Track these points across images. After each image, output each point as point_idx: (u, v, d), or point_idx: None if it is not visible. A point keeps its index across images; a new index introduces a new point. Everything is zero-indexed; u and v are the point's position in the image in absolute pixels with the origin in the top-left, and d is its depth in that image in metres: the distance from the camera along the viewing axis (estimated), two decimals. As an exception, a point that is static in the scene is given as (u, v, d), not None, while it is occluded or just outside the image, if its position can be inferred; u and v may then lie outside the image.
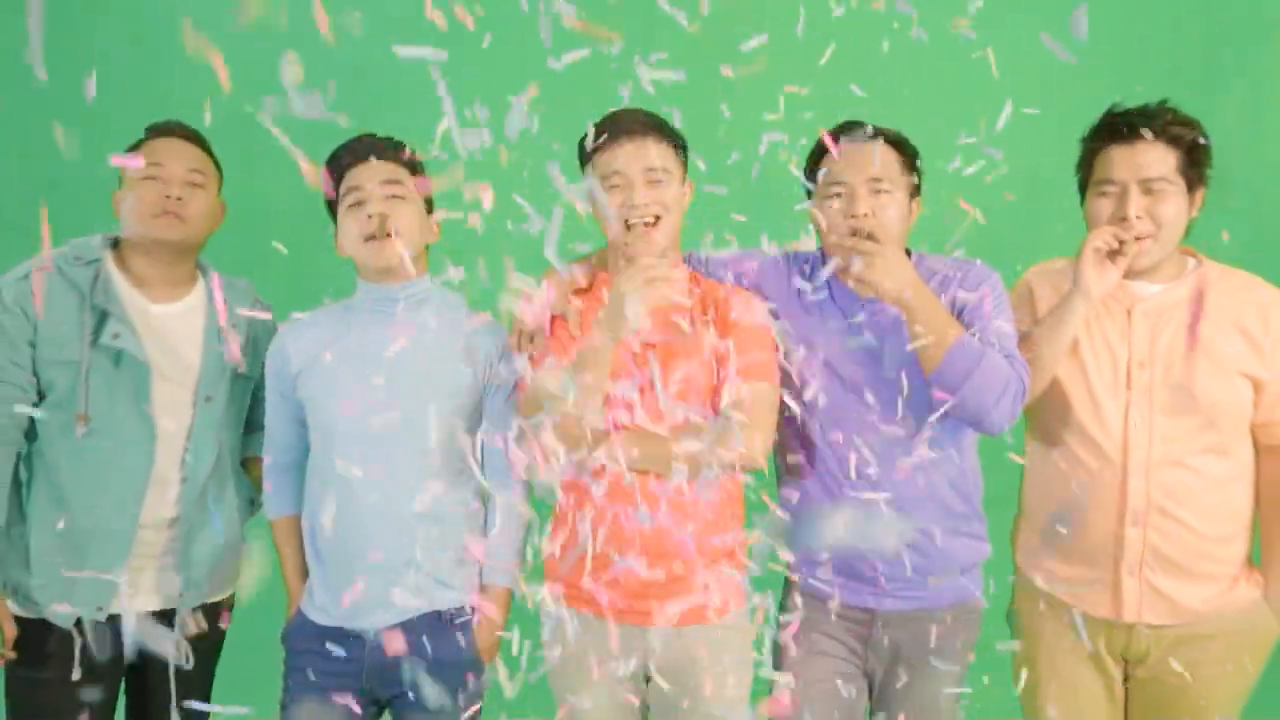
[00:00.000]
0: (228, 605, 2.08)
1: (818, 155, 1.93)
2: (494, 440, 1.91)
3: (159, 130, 1.99)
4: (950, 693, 1.91)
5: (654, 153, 1.82)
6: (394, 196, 1.85)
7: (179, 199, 1.92)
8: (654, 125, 1.84)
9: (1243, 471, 1.87)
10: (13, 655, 1.84)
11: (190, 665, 1.96)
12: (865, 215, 1.81)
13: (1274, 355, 1.81)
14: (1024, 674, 2.01)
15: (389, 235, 1.83)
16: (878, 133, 1.88)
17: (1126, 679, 1.95)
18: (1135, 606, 1.86)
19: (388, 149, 1.87)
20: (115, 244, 2.00)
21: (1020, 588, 2.04)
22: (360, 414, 1.83)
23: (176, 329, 1.98)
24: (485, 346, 1.90)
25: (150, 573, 1.93)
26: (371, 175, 1.84)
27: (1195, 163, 1.82)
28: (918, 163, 1.92)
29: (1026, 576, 2.01)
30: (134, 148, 1.99)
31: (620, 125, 1.83)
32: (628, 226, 1.82)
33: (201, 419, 1.96)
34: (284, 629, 1.93)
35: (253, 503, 2.12)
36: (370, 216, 1.82)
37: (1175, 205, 1.81)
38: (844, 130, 1.89)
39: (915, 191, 1.91)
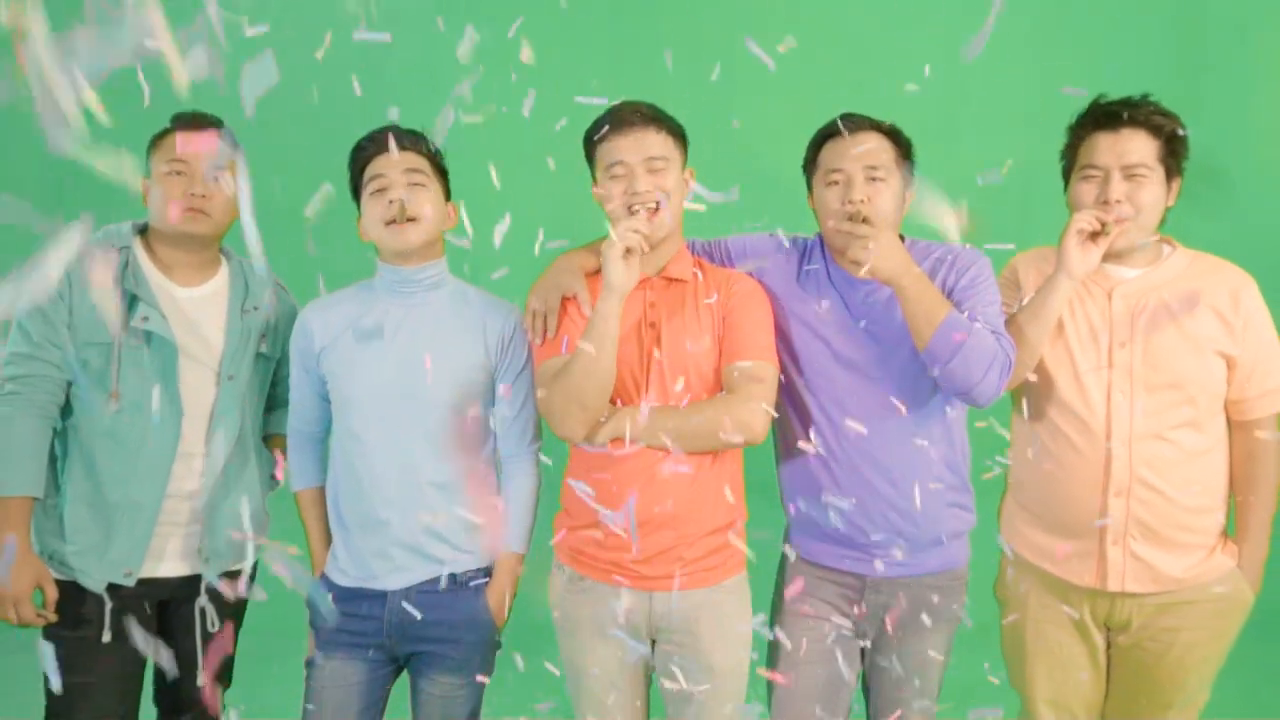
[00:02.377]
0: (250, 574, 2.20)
1: (816, 147, 2.04)
2: (506, 414, 2.03)
3: (184, 123, 2.09)
4: (938, 654, 2.03)
5: (654, 142, 1.93)
6: (415, 184, 1.96)
7: (204, 196, 2.03)
8: (654, 116, 1.95)
9: (1217, 446, 1.99)
10: (55, 618, 1.96)
11: (216, 628, 2.08)
12: (861, 201, 1.92)
13: (1244, 334, 1.94)
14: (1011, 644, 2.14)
15: (409, 220, 1.94)
16: (873, 124, 1.99)
17: (1109, 647, 2.07)
18: (1119, 575, 1.98)
19: (409, 139, 1.98)
20: (143, 230, 2.12)
21: (1007, 561, 2.15)
22: (379, 388, 1.95)
23: (201, 311, 2.10)
24: (497, 326, 2.02)
25: (177, 540, 2.05)
26: (394, 164, 1.95)
27: (1174, 152, 1.94)
28: (912, 154, 2.03)
29: (1013, 549, 2.12)
30: (159, 138, 2.09)
31: (621, 117, 1.94)
32: (631, 212, 1.93)
33: (225, 396, 2.08)
34: (309, 592, 2.05)
35: (273, 477, 2.23)
36: (392, 202, 1.94)
37: (1154, 191, 1.93)
38: (841, 122, 2.00)
39: (909, 180, 2.02)
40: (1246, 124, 4.20)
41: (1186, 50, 4.20)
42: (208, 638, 2.08)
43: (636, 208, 1.92)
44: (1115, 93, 2.01)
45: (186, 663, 2.09)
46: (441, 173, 2.03)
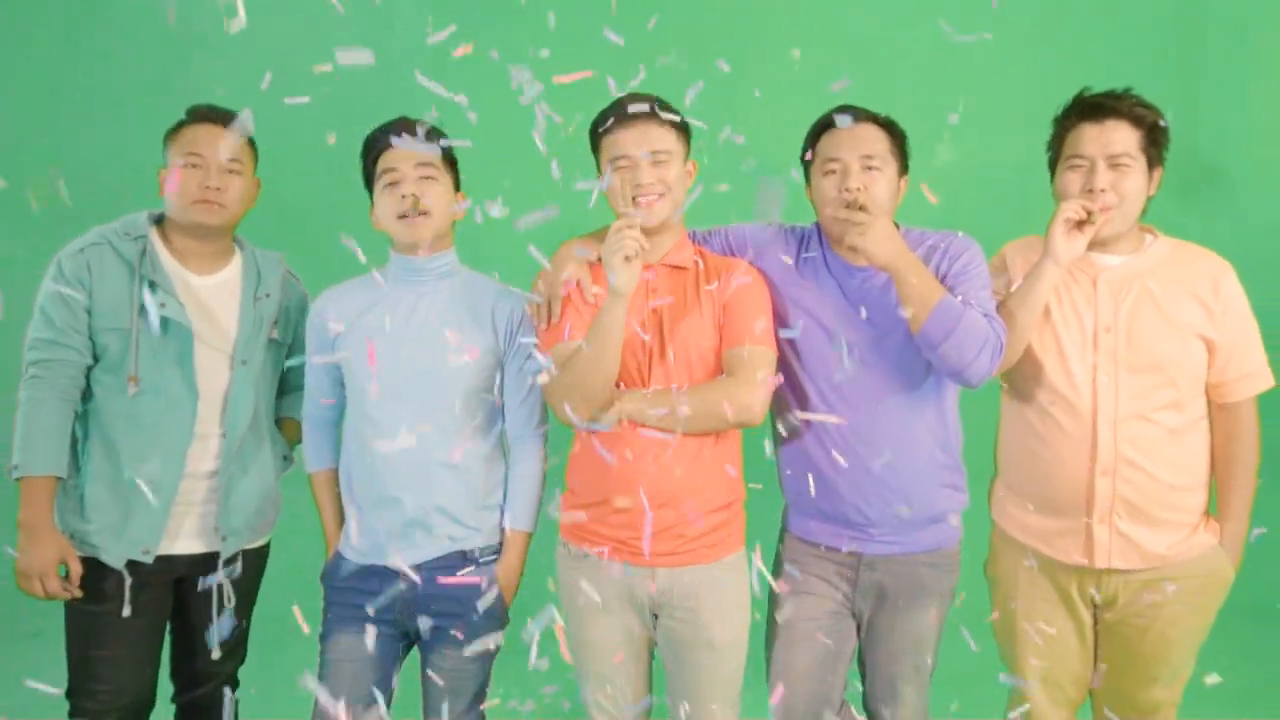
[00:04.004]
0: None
1: (814, 138, 2.14)
2: (514, 398, 2.14)
3: (199, 116, 2.19)
4: (931, 630, 2.14)
5: (657, 135, 2.03)
6: (426, 178, 2.06)
7: (218, 189, 2.14)
8: (658, 110, 2.05)
9: (1198, 427, 2.09)
10: (80, 593, 2.06)
11: (232, 604, 2.19)
12: (858, 190, 2.02)
13: (1223, 319, 2.04)
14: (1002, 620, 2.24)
15: (421, 214, 2.05)
16: (868, 116, 2.10)
17: (1096, 624, 2.17)
18: (1106, 552, 2.08)
19: (422, 133, 2.08)
20: (159, 220, 2.23)
21: (997, 540, 2.26)
22: (392, 373, 2.06)
23: (215, 298, 2.20)
24: (505, 313, 2.13)
25: (193, 519, 2.16)
26: (406, 157, 2.05)
27: (1155, 142, 2.05)
28: (906, 144, 2.13)
29: (1003, 529, 2.23)
30: (175, 130, 2.19)
31: (626, 110, 2.04)
32: (635, 203, 2.03)
33: (239, 380, 2.18)
34: (323, 569, 2.17)
35: (286, 459, 2.34)
36: (404, 196, 2.04)
37: (1136, 180, 2.04)
38: (838, 114, 2.10)
39: (903, 170, 2.12)
40: (1245, 123, 4.31)
41: (1186, 50, 4.31)
42: (223, 613, 2.19)
43: (640, 199, 2.02)
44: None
45: (203, 638, 2.20)
46: (451, 164, 2.13)
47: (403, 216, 2.05)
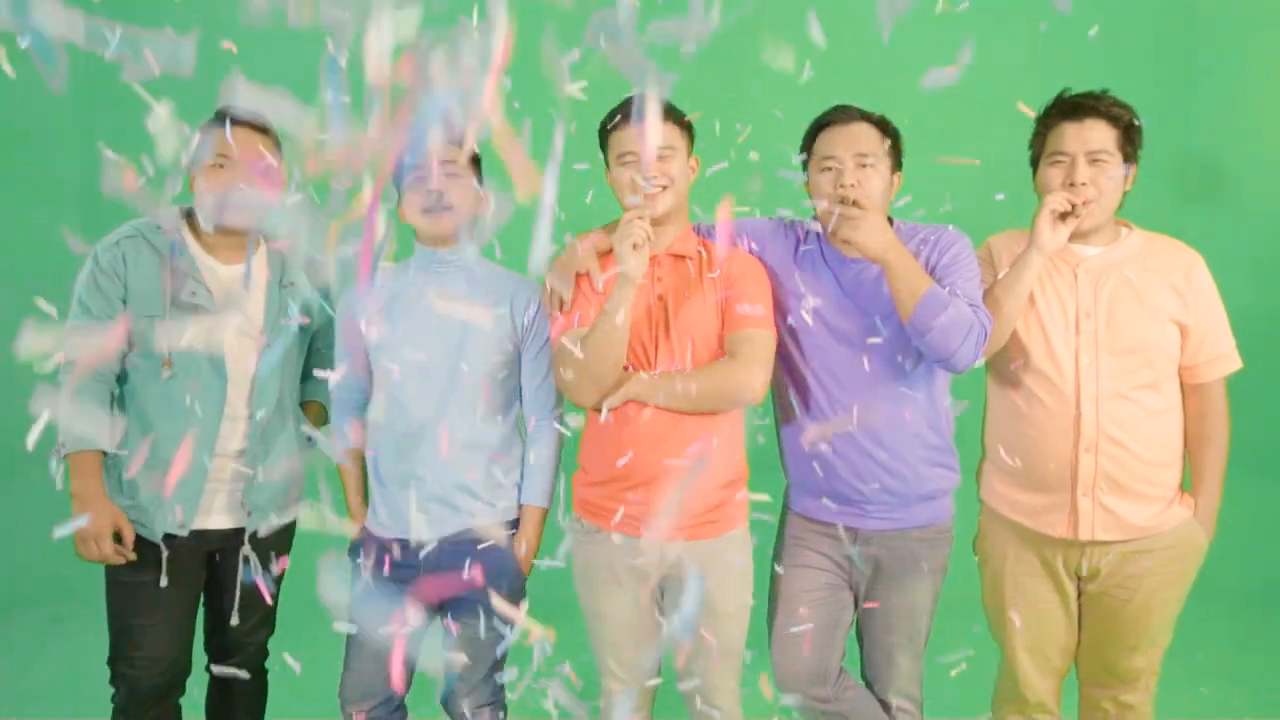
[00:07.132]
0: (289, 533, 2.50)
1: (812, 136, 2.33)
2: (531, 383, 2.33)
3: (231, 118, 2.36)
4: (925, 602, 2.33)
5: (662, 132, 2.22)
6: (451, 174, 2.24)
7: (244, 190, 2.31)
8: (661, 109, 2.22)
9: (1173, 407, 2.29)
10: (134, 556, 2.25)
11: (259, 574, 2.37)
12: (852, 185, 2.20)
13: (1195, 305, 2.24)
14: (991, 594, 2.44)
15: (445, 209, 2.24)
16: (863, 115, 2.28)
17: (1080, 596, 2.36)
18: (1090, 525, 2.26)
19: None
20: (189, 214, 2.41)
21: (985, 518, 2.45)
22: (416, 359, 2.24)
23: (243, 286, 2.38)
24: (524, 302, 2.32)
25: (223, 496, 2.35)
26: (431, 155, 2.22)
27: (1130, 140, 2.24)
28: (900, 143, 2.32)
29: (991, 507, 2.42)
30: (204, 130, 2.36)
31: (632, 109, 2.21)
32: (643, 194, 2.21)
33: (265, 365, 2.36)
34: (350, 543, 2.36)
35: (309, 440, 2.52)
36: (429, 191, 2.23)
37: (1114, 175, 2.23)
38: (834, 113, 2.29)
39: (896, 167, 2.30)
40: (1242, 123, 4.48)
41: (1183, 51, 4.48)
42: (252, 583, 2.38)
43: (645, 192, 2.20)
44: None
45: (233, 608, 2.39)
46: (475, 162, 2.32)
47: (427, 210, 2.24)
